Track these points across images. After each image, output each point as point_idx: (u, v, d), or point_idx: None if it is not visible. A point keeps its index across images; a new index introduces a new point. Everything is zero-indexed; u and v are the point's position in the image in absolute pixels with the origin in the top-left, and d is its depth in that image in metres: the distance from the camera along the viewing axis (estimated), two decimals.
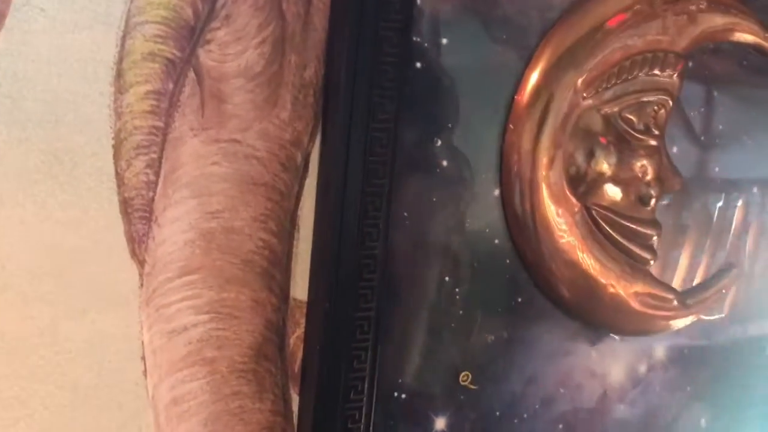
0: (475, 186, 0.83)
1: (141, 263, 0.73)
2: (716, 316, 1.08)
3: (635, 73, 0.87)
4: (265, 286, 0.78)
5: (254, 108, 0.74)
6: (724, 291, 1.06)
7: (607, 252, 0.90)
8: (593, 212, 0.88)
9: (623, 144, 0.89)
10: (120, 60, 0.68)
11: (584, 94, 0.85)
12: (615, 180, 0.89)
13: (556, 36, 0.84)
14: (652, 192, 0.90)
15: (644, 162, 0.90)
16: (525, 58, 0.83)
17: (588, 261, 0.89)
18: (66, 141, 0.68)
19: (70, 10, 0.66)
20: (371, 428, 0.80)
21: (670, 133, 0.95)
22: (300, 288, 0.81)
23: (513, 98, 0.83)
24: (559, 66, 0.84)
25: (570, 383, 0.96)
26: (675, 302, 0.99)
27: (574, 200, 0.87)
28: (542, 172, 0.84)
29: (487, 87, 0.82)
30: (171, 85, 0.70)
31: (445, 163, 0.80)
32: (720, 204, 1.06)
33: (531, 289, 0.89)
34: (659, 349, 1.04)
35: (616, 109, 0.87)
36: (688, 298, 1.01)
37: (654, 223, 0.94)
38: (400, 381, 0.82)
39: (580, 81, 0.84)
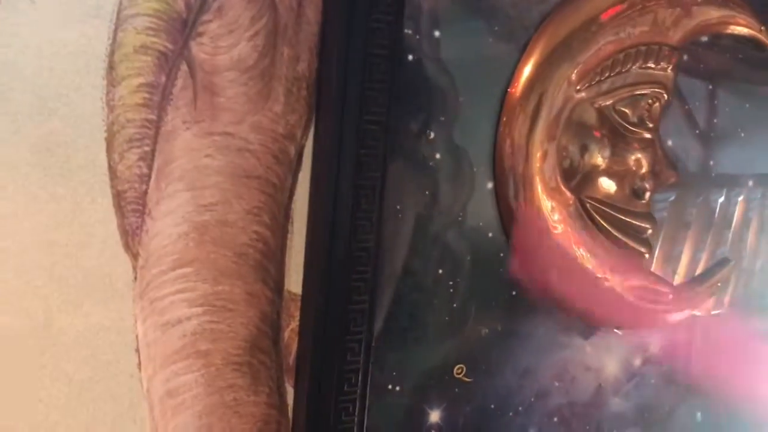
0: (468, 179, 0.83)
1: (134, 256, 0.73)
2: (715, 311, 1.08)
3: (629, 66, 0.87)
4: (259, 278, 0.79)
5: (247, 101, 0.74)
6: (719, 285, 1.06)
7: (602, 245, 0.90)
8: (587, 205, 0.89)
9: (617, 137, 0.89)
10: (112, 53, 0.68)
11: (578, 87, 0.85)
12: (609, 173, 0.89)
13: (550, 29, 0.84)
14: (647, 185, 0.90)
15: (638, 155, 0.90)
16: (518, 50, 0.83)
17: (582, 254, 0.89)
18: (58, 134, 0.68)
19: (61, 2, 0.66)
20: (365, 421, 0.81)
21: (670, 127, 0.95)
22: (294, 281, 0.81)
23: (506, 91, 0.83)
24: (553, 59, 0.84)
25: (565, 376, 0.96)
26: (670, 296, 0.99)
27: (568, 193, 0.87)
28: (536, 165, 0.84)
29: (481, 80, 0.82)
30: (163, 78, 0.70)
31: (438, 156, 0.80)
32: (721, 199, 1.06)
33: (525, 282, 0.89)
34: (654, 343, 1.04)
35: (610, 102, 0.87)
36: (683, 291, 1.01)
37: (648, 217, 0.94)
38: (394, 374, 0.82)
39: (573, 74, 0.84)
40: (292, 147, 0.78)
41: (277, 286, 0.80)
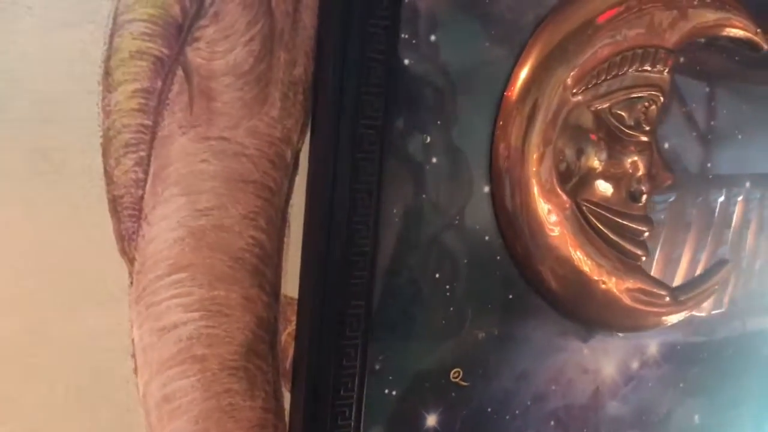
0: (465, 182, 0.83)
1: (130, 261, 0.73)
2: (716, 312, 1.08)
3: (625, 68, 0.87)
4: (255, 283, 0.78)
5: (243, 105, 0.74)
6: (716, 287, 1.06)
7: (599, 248, 0.90)
8: (584, 208, 0.88)
9: (614, 140, 0.89)
10: (108, 58, 0.68)
11: (574, 90, 0.85)
12: (605, 176, 0.89)
13: (546, 32, 0.84)
14: (643, 188, 0.90)
15: (635, 158, 0.90)
16: (515, 54, 0.83)
17: (579, 257, 0.89)
18: (54, 139, 0.68)
19: (57, 8, 0.66)
20: (362, 425, 0.81)
21: (669, 129, 0.95)
22: (291, 285, 0.81)
23: (503, 94, 0.83)
24: (549, 62, 0.83)
25: (562, 380, 0.96)
26: (667, 298, 0.99)
27: (564, 196, 0.87)
28: (532, 168, 0.84)
29: (477, 83, 0.82)
30: (159, 83, 0.70)
31: (434, 159, 0.80)
32: (721, 199, 1.06)
33: (522, 285, 0.89)
34: (652, 345, 1.04)
35: (606, 105, 0.87)
36: (680, 293, 1.01)
37: (645, 219, 0.93)
38: (390, 378, 0.82)
39: (570, 77, 0.84)
40: (288, 151, 0.78)
41: (274, 290, 0.80)
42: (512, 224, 0.85)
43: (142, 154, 0.71)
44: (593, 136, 0.88)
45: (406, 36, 0.76)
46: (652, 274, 0.99)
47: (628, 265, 0.94)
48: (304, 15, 0.76)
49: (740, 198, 1.08)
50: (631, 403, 1.03)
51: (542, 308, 0.91)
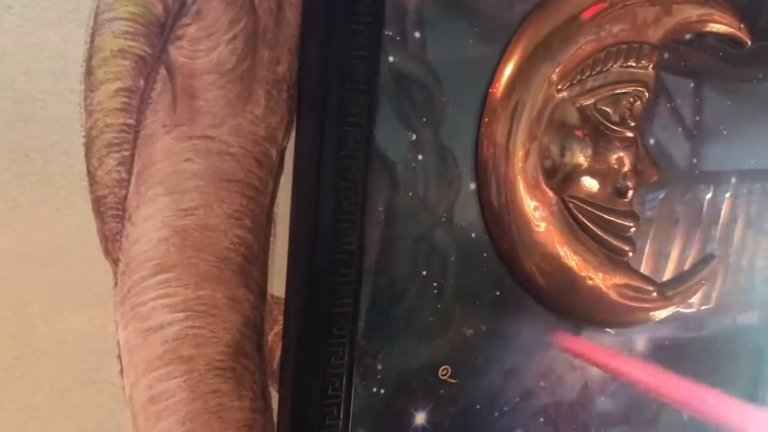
0: (450, 180, 0.82)
1: (115, 262, 0.72)
2: (704, 307, 1.08)
3: (610, 64, 0.87)
4: (241, 283, 0.78)
5: (227, 104, 0.74)
6: (703, 282, 1.06)
7: (585, 244, 0.90)
8: (570, 204, 0.88)
9: (599, 136, 0.89)
10: (89, 57, 0.68)
11: (559, 87, 0.85)
12: (591, 172, 0.89)
13: (531, 28, 0.84)
14: (629, 183, 0.90)
15: (620, 154, 0.90)
16: (499, 50, 0.83)
17: (566, 253, 0.89)
18: (36, 140, 0.67)
19: (37, 7, 0.66)
20: (350, 424, 0.80)
21: (655, 125, 0.95)
22: (278, 284, 0.81)
23: (488, 91, 0.83)
24: (534, 58, 0.83)
25: (550, 376, 0.95)
26: (654, 294, 0.99)
27: (550, 193, 0.87)
28: (518, 164, 0.84)
29: (462, 80, 0.82)
30: (142, 82, 0.70)
31: (420, 157, 0.80)
32: (709, 196, 1.06)
33: (509, 282, 0.88)
34: (640, 341, 1.04)
35: (591, 101, 0.87)
36: (667, 289, 1.01)
37: (631, 215, 0.94)
38: (378, 376, 0.82)
39: (554, 73, 0.84)
40: (273, 150, 0.78)
41: (260, 290, 0.80)
42: (499, 221, 0.85)
43: (126, 153, 0.70)
44: (578, 133, 0.88)
45: (391, 33, 0.76)
46: (642, 270, 1.00)
47: (615, 260, 0.94)
48: (288, 12, 0.76)
49: (728, 194, 1.08)
50: (620, 399, 1.04)
51: (530, 305, 0.91)
